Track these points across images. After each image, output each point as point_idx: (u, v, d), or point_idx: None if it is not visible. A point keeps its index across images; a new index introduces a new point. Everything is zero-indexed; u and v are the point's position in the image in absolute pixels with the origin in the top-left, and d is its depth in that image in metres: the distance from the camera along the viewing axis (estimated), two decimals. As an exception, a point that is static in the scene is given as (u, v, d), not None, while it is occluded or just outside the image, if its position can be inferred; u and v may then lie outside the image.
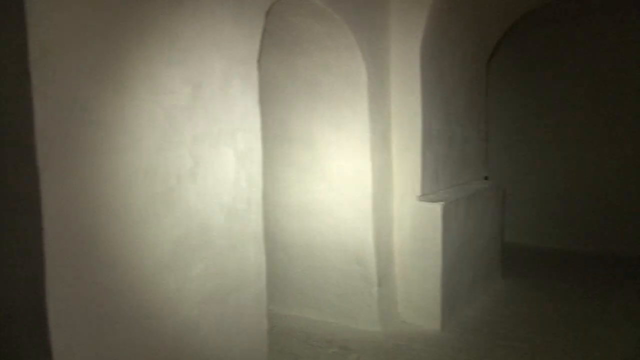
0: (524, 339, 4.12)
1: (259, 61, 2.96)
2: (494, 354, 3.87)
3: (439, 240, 4.29)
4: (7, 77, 2.03)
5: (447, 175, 4.92)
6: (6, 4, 1.97)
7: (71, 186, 2.04)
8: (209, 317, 2.69)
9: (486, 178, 5.91)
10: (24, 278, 2.11)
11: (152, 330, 2.40)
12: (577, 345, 4.00)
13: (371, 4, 4.15)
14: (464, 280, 4.79)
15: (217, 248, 2.71)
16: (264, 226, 3.06)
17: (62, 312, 2.04)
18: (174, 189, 2.44)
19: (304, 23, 3.79)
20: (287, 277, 4.67)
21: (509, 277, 5.77)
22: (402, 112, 4.42)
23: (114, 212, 2.19)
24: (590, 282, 5.72)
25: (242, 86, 2.83)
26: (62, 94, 1.99)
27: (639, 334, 4.20)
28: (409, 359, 3.82)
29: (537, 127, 7.52)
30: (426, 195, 4.45)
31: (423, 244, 4.37)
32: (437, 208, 4.28)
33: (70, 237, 2.05)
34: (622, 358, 3.82)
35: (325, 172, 4.37)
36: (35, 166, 1.94)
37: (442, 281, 4.34)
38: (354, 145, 4.21)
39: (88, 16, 2.08)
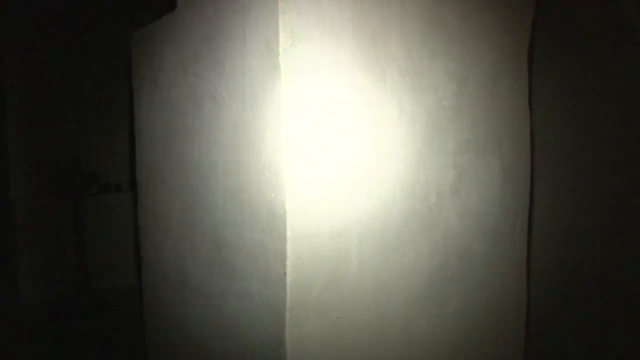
0: None
1: (530, 55, 2.30)
2: None
3: None
4: (256, 71, 1.66)
5: None
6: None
7: (317, 203, 1.61)
8: (462, 363, 2.11)
9: None
10: (261, 306, 1.74)
11: (398, 376, 1.89)
12: None
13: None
14: None
15: (475, 279, 2.11)
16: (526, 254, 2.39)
17: (302, 351, 1.63)
18: (433, 207, 1.90)
19: (580, 9, 3.01)
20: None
21: None
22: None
23: (366, 235, 1.72)
24: None
25: (511, 84, 2.20)
26: (308, 90, 1.58)
27: None
28: None
29: None
30: None
31: None
32: None
33: (314, 263, 1.63)
34: None
35: (588, 190, 3.51)
36: (281, 177, 1.54)
37: None
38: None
39: (343, -2, 1.64)
